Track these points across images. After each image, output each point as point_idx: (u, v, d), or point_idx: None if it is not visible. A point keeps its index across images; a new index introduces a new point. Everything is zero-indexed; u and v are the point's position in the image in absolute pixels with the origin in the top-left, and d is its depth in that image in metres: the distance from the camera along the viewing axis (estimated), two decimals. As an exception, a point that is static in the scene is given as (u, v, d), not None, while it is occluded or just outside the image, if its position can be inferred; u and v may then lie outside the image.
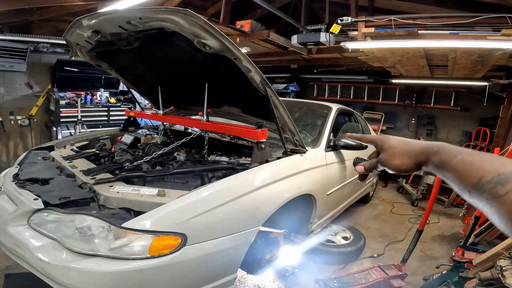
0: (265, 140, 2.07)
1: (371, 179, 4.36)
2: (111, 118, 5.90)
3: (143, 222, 1.44)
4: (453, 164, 0.53)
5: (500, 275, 1.98)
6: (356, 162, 0.77)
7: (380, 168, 0.69)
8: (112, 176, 1.86)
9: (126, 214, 1.53)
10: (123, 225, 1.41)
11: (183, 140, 2.42)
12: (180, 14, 1.61)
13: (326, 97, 7.51)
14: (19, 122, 5.28)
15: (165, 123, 3.04)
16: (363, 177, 0.79)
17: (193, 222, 1.52)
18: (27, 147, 5.48)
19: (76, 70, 5.67)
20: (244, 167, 1.97)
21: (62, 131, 5.33)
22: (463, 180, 0.51)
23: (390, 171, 0.66)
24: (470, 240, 2.96)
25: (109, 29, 2.00)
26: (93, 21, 1.94)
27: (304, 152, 2.40)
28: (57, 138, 5.12)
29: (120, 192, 1.64)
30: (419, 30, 2.98)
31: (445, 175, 0.55)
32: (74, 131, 5.28)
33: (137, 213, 1.53)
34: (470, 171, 0.50)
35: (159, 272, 1.43)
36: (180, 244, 1.46)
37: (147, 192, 1.64)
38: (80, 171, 1.95)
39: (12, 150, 5.44)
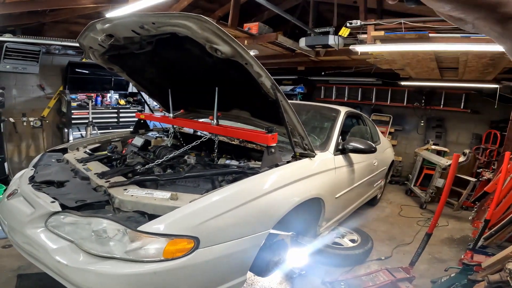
0: (275, 144, 2.09)
1: (379, 182, 4.35)
2: (121, 119, 5.98)
3: (158, 225, 1.47)
4: None
5: (509, 278, 1.97)
6: None
7: None
8: (125, 179, 1.91)
9: (141, 218, 1.56)
10: (139, 228, 1.45)
11: (194, 143, 2.45)
12: (193, 19, 1.64)
13: (333, 99, 7.47)
14: (31, 123, 5.36)
15: (175, 126, 3.08)
16: None
17: (205, 226, 1.55)
18: (39, 148, 5.58)
19: (87, 72, 5.75)
20: (254, 171, 2.00)
21: (74, 133, 5.42)
22: None
23: None
24: (480, 243, 2.94)
25: (122, 33, 2.04)
26: (107, 25, 1.99)
27: (313, 156, 2.42)
28: (68, 140, 5.21)
29: (134, 195, 1.68)
30: (430, 33, 2.97)
31: None
32: (85, 132, 5.36)
33: (151, 216, 1.56)
34: None
35: (173, 275, 1.46)
36: (193, 247, 1.49)
37: (160, 195, 1.67)
38: (95, 174, 2.00)
39: (24, 151, 5.54)
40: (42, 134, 5.59)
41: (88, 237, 1.50)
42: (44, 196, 1.75)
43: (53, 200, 1.69)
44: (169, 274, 1.44)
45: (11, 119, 5.11)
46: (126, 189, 1.74)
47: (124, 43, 2.18)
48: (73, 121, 5.37)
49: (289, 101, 2.10)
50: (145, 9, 3.16)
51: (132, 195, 1.67)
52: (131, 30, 1.95)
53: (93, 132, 5.29)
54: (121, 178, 1.93)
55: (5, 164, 4.78)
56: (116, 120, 5.94)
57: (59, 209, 1.62)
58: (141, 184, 1.87)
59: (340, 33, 3.42)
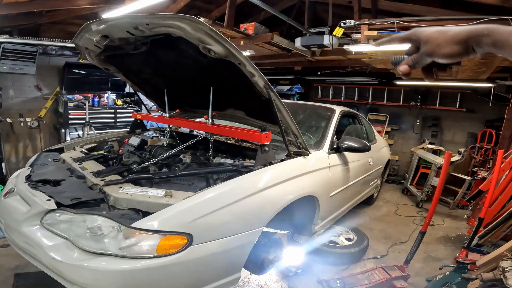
0: (268, 143, 2.11)
1: (375, 181, 4.38)
2: (118, 120, 5.99)
3: (151, 222, 1.49)
4: (511, 42, 0.56)
5: (502, 276, 1.99)
6: (397, 61, 0.72)
7: (428, 60, 0.68)
8: (121, 177, 1.92)
9: (135, 215, 1.58)
10: (132, 225, 1.46)
11: (189, 142, 2.47)
12: (186, 20, 1.66)
13: (330, 98, 7.51)
14: (28, 124, 5.37)
15: (171, 126, 3.09)
16: (407, 75, 0.74)
17: (198, 223, 1.57)
18: (36, 148, 5.58)
19: (84, 72, 5.76)
20: (248, 170, 2.02)
21: (71, 133, 5.43)
22: None
23: (441, 61, 0.66)
24: (474, 242, 2.96)
25: (117, 34, 2.06)
26: (102, 26, 2.01)
27: (307, 155, 2.44)
28: (65, 140, 5.22)
29: (129, 193, 1.70)
30: (422, 33, 2.99)
31: (503, 52, 0.58)
32: (82, 133, 5.37)
33: (145, 214, 1.58)
34: None
35: (166, 271, 1.48)
36: (187, 243, 1.51)
37: (155, 193, 1.69)
38: (90, 172, 2.01)
39: (21, 151, 5.54)
40: (39, 135, 5.60)
41: (83, 234, 1.52)
42: (40, 194, 1.77)
43: (48, 198, 1.71)
44: (163, 270, 1.46)
45: (8, 120, 5.12)
46: (121, 187, 1.76)
47: (119, 44, 2.20)
48: (70, 122, 5.38)
49: (284, 100, 2.13)
50: (141, 10, 3.17)
51: (127, 193, 1.69)
52: (126, 31, 1.97)
53: (90, 132, 5.31)
54: (116, 177, 1.94)
55: (3, 164, 4.78)
56: (113, 120, 5.95)
57: (55, 207, 1.64)
58: (136, 183, 1.89)
59: (334, 33, 3.45)
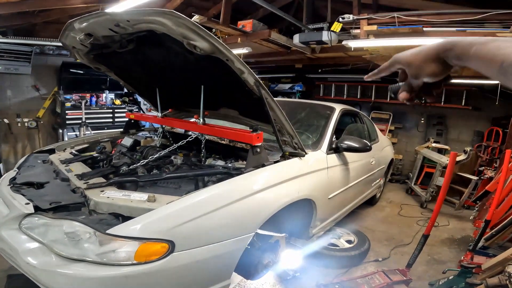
0: (260, 144, 2.02)
1: (378, 181, 4.26)
2: (116, 119, 5.95)
3: (129, 228, 1.41)
4: (471, 55, 0.56)
5: (508, 282, 1.90)
6: (394, 90, 0.72)
7: (418, 82, 0.67)
8: (105, 180, 1.85)
9: (114, 220, 1.50)
10: (108, 231, 1.39)
11: (180, 143, 2.39)
12: (167, 15, 1.58)
13: (332, 96, 7.38)
14: (26, 124, 5.36)
15: (164, 126, 3.02)
16: (410, 100, 0.73)
17: (182, 229, 1.48)
18: (34, 149, 5.53)
19: (82, 72, 5.72)
20: (239, 172, 1.93)
21: (68, 133, 5.40)
22: (486, 68, 0.54)
23: (429, 80, 0.66)
24: (480, 244, 2.86)
25: (100, 32, 1.99)
26: (84, 24, 1.94)
27: (303, 155, 2.34)
28: (63, 140, 5.18)
29: (110, 197, 1.62)
30: (424, 27, 2.88)
31: (469, 64, 0.58)
32: (79, 133, 5.34)
33: (126, 219, 1.51)
34: (491, 58, 0.52)
35: (146, 279, 1.40)
36: (168, 251, 1.43)
37: (138, 197, 1.61)
38: (75, 175, 1.94)
39: (20, 152, 5.53)
40: (37, 135, 5.59)
41: (61, 239, 1.45)
42: (20, 197, 1.71)
43: (27, 201, 1.64)
44: (142, 278, 1.39)
45: (6, 120, 5.10)
46: (103, 191, 1.68)
47: (105, 42, 2.13)
48: (67, 122, 5.36)
49: (282, 98, 2.04)
50: (136, 8, 3.10)
51: (108, 197, 1.61)
52: (108, 29, 1.90)
53: (87, 132, 5.27)
54: (101, 179, 1.87)
55: (0, 165, 4.77)
56: (111, 120, 5.91)
57: (32, 210, 1.57)
58: (121, 186, 1.81)
59: (332, 28, 3.34)
